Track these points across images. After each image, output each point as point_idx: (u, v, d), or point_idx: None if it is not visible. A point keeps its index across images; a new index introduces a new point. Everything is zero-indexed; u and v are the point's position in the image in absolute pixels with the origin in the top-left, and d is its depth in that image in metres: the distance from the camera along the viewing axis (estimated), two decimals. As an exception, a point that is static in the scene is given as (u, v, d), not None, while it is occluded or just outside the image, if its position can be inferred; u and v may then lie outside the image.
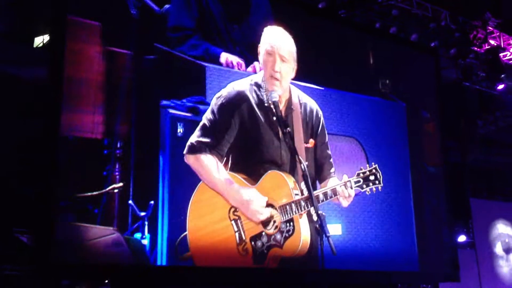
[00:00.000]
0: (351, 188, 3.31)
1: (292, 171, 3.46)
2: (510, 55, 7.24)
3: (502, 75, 7.00)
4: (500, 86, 7.25)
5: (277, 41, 3.48)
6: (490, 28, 6.85)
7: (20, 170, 4.26)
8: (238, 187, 3.37)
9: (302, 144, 3.47)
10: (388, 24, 6.33)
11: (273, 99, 3.33)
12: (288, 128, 3.26)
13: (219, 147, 3.40)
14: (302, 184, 3.29)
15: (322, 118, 3.71)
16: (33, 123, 4.07)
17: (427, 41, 6.64)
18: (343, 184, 3.30)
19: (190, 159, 3.43)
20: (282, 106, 3.51)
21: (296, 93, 3.65)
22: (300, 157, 3.09)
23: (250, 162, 3.43)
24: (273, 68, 3.44)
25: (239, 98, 3.46)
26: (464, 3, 6.63)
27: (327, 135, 3.73)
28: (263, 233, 3.37)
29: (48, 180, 3.39)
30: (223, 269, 3.62)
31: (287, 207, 3.30)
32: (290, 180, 3.36)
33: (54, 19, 3.72)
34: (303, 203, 3.26)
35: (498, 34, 7.03)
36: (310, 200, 2.97)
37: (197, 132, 3.45)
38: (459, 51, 6.79)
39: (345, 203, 3.34)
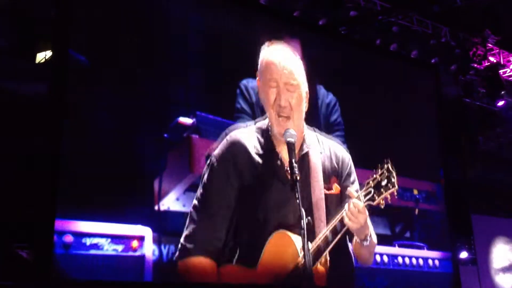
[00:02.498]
0: (361, 202, 2.59)
1: (308, 229, 2.48)
2: (509, 72, 7.25)
3: (502, 92, 7.00)
4: (500, 103, 7.25)
5: (279, 64, 2.74)
6: (489, 45, 6.88)
7: (20, 186, 4.20)
8: None
9: (320, 191, 2.74)
10: (388, 41, 6.32)
11: (288, 139, 2.45)
12: (297, 175, 2.33)
13: (214, 230, 2.66)
14: (321, 236, 2.61)
15: (351, 163, 2.95)
16: (33, 139, 4.09)
17: (428, 58, 6.62)
18: (353, 201, 2.58)
19: (181, 267, 2.76)
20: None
21: (312, 133, 2.90)
22: (302, 210, 2.28)
23: (257, 231, 2.70)
24: (279, 104, 2.70)
25: (235, 151, 2.75)
26: (464, 20, 6.65)
27: (357, 182, 2.94)
28: None
29: (49, 196, 3.38)
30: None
31: (294, 273, 2.59)
32: (297, 239, 2.62)
33: (56, 36, 3.74)
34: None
35: (497, 51, 7.06)
36: (306, 261, 2.27)
37: (186, 225, 2.75)
38: (459, 67, 6.78)
39: (354, 225, 2.59)
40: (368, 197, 2.63)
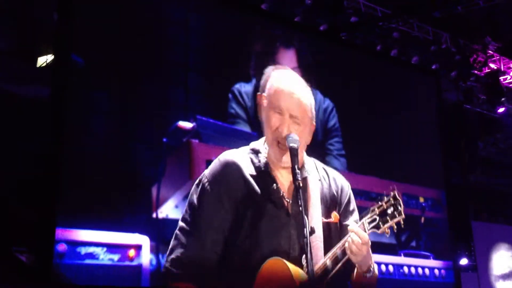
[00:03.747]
0: (365, 231, 2.31)
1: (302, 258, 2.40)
2: (510, 79, 7.18)
3: (502, 99, 6.92)
4: (501, 109, 7.17)
5: (288, 94, 2.41)
6: (490, 51, 6.80)
7: (21, 189, 4.08)
8: None
9: (318, 219, 2.49)
10: (389, 47, 6.22)
11: (291, 144, 2.26)
12: (299, 182, 2.19)
13: (202, 256, 2.36)
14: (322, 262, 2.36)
15: (350, 192, 2.67)
16: (34, 142, 3.95)
17: (428, 64, 6.54)
18: (357, 232, 2.30)
19: None
20: (289, 179, 2.44)
21: (310, 160, 2.63)
22: (306, 219, 2.12)
23: (249, 257, 2.40)
24: (281, 132, 2.37)
25: (228, 171, 2.44)
26: (464, 26, 6.56)
27: (356, 211, 2.68)
28: None
29: (50, 199, 3.23)
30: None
31: None
32: (293, 267, 2.36)
33: (59, 40, 3.63)
34: None
35: (498, 57, 6.98)
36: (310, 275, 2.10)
37: (171, 247, 2.41)
38: (460, 73, 6.71)
39: (357, 258, 2.30)
40: (372, 225, 2.36)
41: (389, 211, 2.35)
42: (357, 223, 2.40)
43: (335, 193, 2.55)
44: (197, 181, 2.44)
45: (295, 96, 2.38)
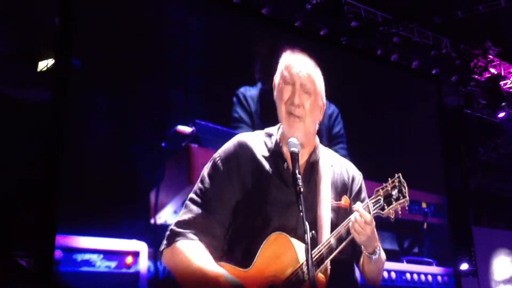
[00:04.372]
0: (369, 213, 2.28)
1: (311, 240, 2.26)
2: (510, 84, 7.12)
3: (503, 103, 6.85)
4: (501, 114, 7.11)
5: (298, 67, 2.44)
6: (490, 56, 6.74)
7: (21, 192, 4.01)
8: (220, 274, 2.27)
9: (328, 202, 2.47)
10: (389, 52, 6.18)
11: (292, 149, 2.23)
12: (301, 187, 2.13)
13: (211, 226, 2.36)
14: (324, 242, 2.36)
15: (362, 182, 2.64)
16: (35, 146, 3.91)
17: (428, 69, 6.50)
18: (360, 211, 2.28)
19: (166, 254, 2.36)
20: (303, 160, 2.44)
21: (325, 150, 2.60)
22: (306, 224, 2.06)
23: (256, 233, 2.40)
24: (292, 102, 2.40)
25: (240, 151, 2.47)
26: (464, 31, 6.50)
27: (367, 199, 2.55)
28: None
29: (50, 203, 3.15)
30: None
31: (293, 278, 2.30)
32: (297, 243, 2.35)
33: (59, 43, 3.55)
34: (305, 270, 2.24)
35: (498, 62, 6.94)
36: (310, 265, 2.05)
37: (180, 214, 2.42)
38: (460, 78, 6.65)
39: (361, 237, 2.28)
40: (377, 205, 2.32)
41: (394, 193, 2.32)
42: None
43: (347, 180, 2.54)
44: (215, 154, 2.47)
45: (305, 69, 2.41)
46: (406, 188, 2.33)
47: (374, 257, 2.34)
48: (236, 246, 2.38)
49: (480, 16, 6.20)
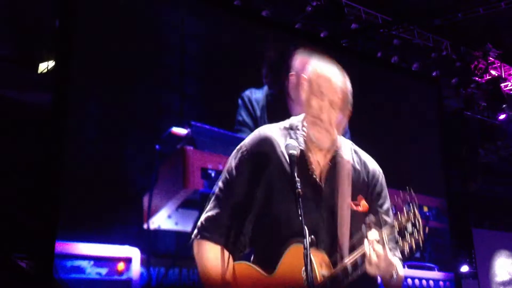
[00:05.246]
0: (383, 245, 2.15)
1: (330, 243, 2.37)
2: (511, 85, 6.99)
3: (503, 105, 6.72)
4: (501, 116, 7.00)
5: (328, 80, 2.38)
6: (491, 58, 6.62)
7: (22, 196, 3.93)
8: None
9: (347, 205, 2.39)
10: (389, 54, 6.07)
11: (290, 151, 2.22)
12: (300, 190, 2.13)
13: (237, 225, 2.37)
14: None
15: (382, 179, 2.57)
16: (35, 149, 3.78)
17: (429, 71, 6.39)
18: (376, 243, 2.15)
19: (195, 246, 2.39)
20: (324, 161, 2.40)
21: (348, 146, 2.58)
22: (305, 228, 2.04)
23: (277, 236, 2.35)
24: (319, 116, 2.36)
25: (264, 149, 2.44)
26: (465, 34, 6.38)
27: (388, 200, 2.56)
28: None
29: (51, 206, 3.04)
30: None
31: None
32: (316, 256, 2.26)
33: (59, 45, 3.42)
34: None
35: (499, 64, 6.83)
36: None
37: (210, 206, 2.42)
38: (460, 80, 6.53)
39: (373, 269, 2.17)
40: (390, 237, 2.19)
41: (409, 227, 2.18)
42: (384, 208, 2.37)
43: (366, 178, 2.47)
44: (239, 146, 2.44)
45: (335, 83, 2.34)
46: (421, 223, 2.13)
47: (392, 281, 2.24)
48: (257, 244, 2.38)
49: (481, 18, 6.09)
